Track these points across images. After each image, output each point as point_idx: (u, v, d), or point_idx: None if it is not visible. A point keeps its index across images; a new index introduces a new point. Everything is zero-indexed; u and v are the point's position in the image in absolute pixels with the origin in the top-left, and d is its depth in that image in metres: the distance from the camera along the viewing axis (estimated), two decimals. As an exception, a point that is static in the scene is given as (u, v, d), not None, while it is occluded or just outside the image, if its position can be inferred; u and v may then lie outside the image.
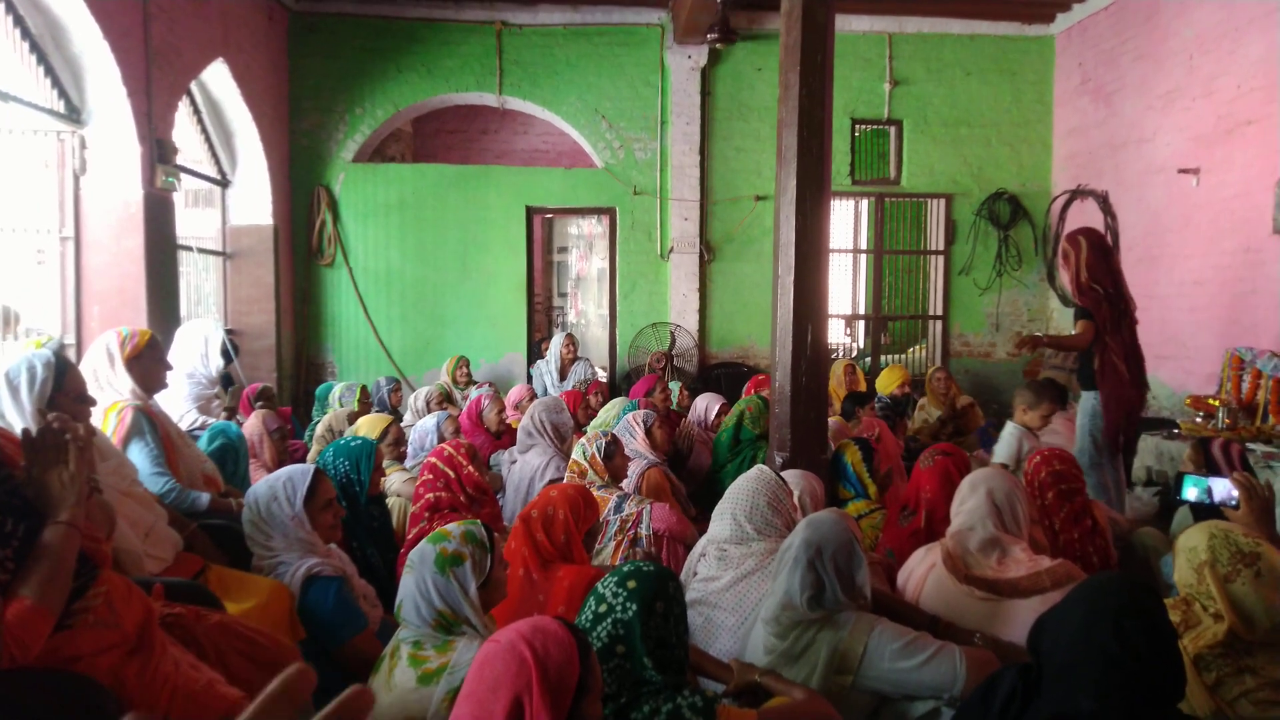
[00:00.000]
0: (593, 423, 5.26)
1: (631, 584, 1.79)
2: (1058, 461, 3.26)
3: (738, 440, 4.40)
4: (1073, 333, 4.60)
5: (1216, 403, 5.43)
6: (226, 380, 5.28)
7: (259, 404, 5.20)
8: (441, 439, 4.46)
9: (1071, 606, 1.63)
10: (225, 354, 5.60)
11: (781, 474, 2.98)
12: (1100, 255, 4.72)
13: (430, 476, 3.31)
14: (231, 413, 4.58)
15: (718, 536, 2.70)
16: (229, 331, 6.99)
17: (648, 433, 4.16)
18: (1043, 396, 4.05)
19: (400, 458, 4.35)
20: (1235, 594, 1.91)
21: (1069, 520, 3.16)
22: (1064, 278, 4.79)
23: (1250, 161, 5.85)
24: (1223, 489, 2.84)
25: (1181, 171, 6.46)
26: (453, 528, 2.11)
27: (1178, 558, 2.06)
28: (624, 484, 3.83)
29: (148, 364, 3.31)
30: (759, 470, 2.82)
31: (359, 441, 3.31)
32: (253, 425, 4.47)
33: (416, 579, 2.01)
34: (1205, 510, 2.99)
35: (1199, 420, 5.42)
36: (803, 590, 2.13)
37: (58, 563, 1.62)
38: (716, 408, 5.19)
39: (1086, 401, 4.67)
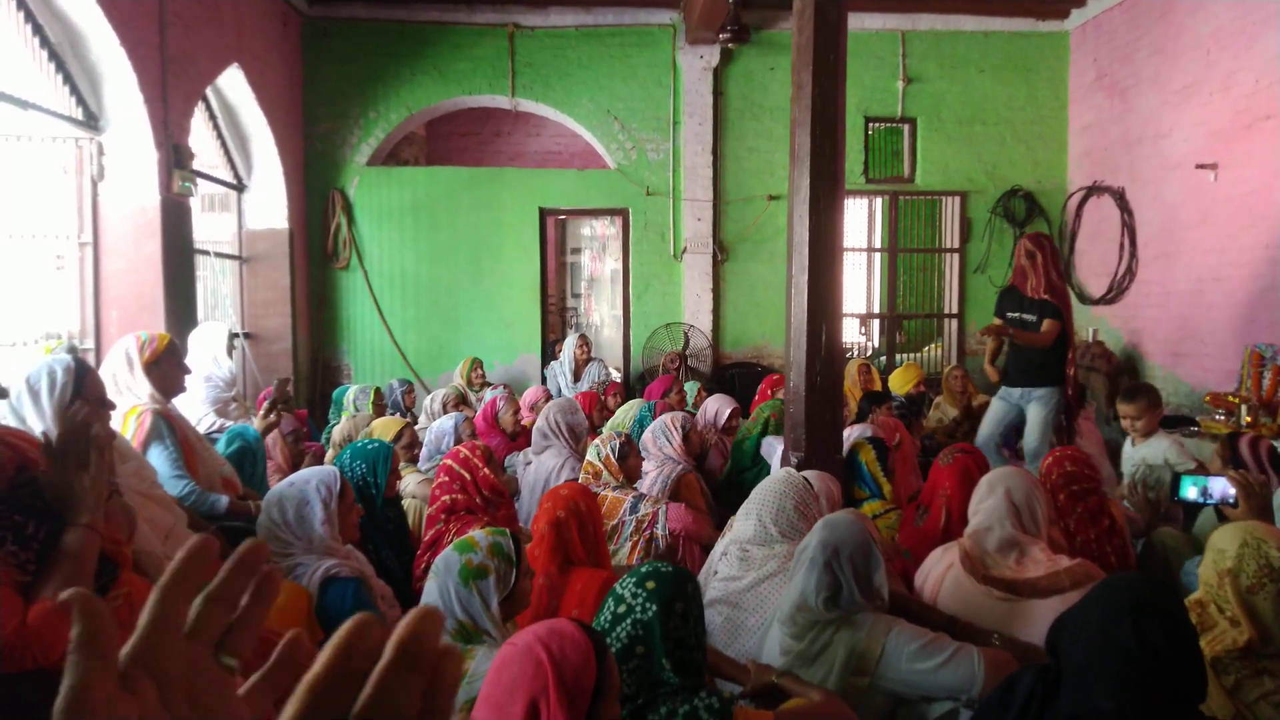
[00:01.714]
0: (609, 424, 5.26)
1: (651, 585, 1.79)
2: (1070, 463, 3.24)
3: (760, 447, 4.38)
4: (1042, 330, 4.78)
5: (1236, 400, 5.38)
6: None
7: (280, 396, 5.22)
8: (459, 440, 4.46)
9: (1090, 606, 1.61)
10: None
11: (798, 475, 2.97)
12: (1057, 261, 4.92)
13: (446, 479, 3.31)
14: (274, 405, 4.50)
15: (741, 536, 2.70)
16: (246, 335, 7.04)
17: (685, 438, 4.08)
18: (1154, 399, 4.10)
19: (414, 459, 4.37)
20: (1255, 606, 1.88)
21: (1085, 520, 3.15)
22: (1032, 277, 4.83)
23: (1268, 157, 5.79)
24: (1220, 488, 2.81)
25: (1199, 167, 6.41)
26: (480, 537, 2.09)
27: (1206, 554, 2.04)
28: (652, 488, 3.81)
29: (166, 368, 3.33)
30: (788, 473, 2.82)
31: (375, 444, 3.33)
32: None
33: (440, 587, 2.00)
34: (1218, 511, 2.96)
35: (1219, 417, 5.37)
36: (819, 591, 2.12)
37: (79, 565, 1.64)
38: (728, 411, 5.16)
39: (1052, 396, 4.85)
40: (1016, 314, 4.91)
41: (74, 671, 0.43)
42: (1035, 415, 4.87)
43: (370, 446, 3.30)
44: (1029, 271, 4.84)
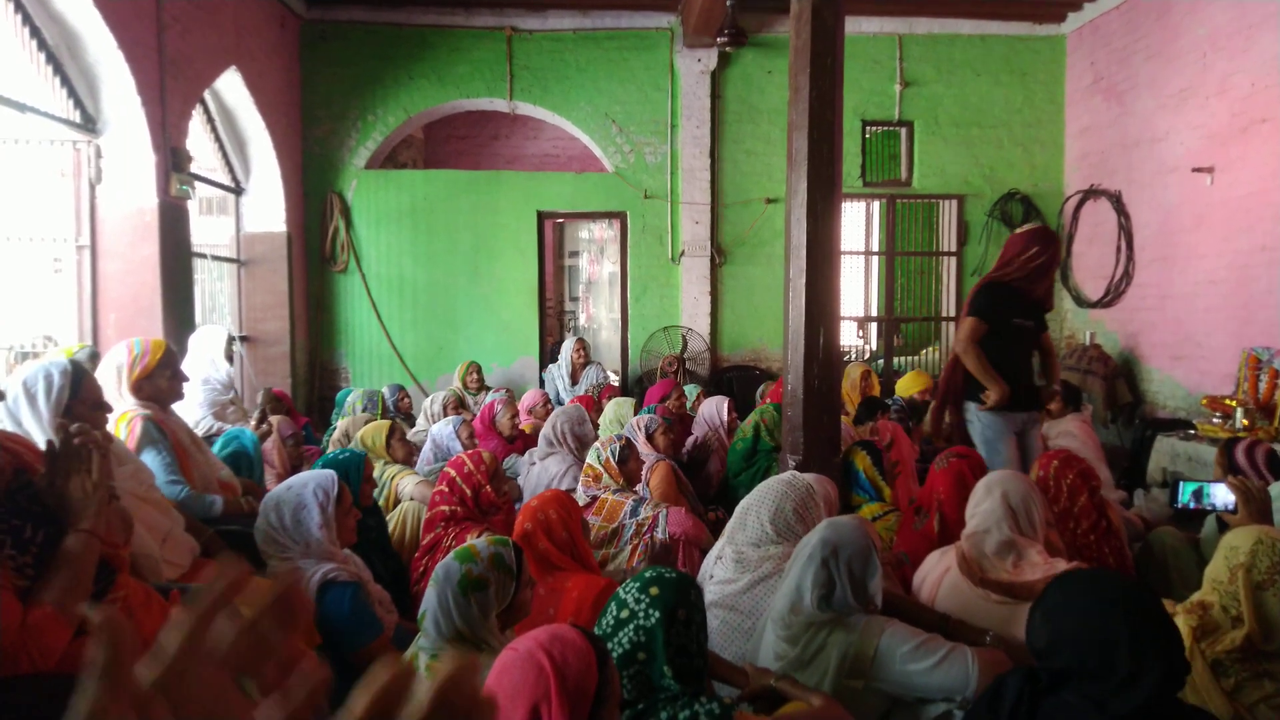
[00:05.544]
0: (602, 421, 5.26)
1: (654, 590, 1.78)
2: (1082, 463, 3.23)
3: (754, 451, 4.40)
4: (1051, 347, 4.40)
5: (1234, 403, 5.39)
6: None
7: (271, 409, 5.22)
8: (462, 444, 4.47)
9: (1062, 603, 1.63)
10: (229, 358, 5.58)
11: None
12: None
13: (447, 490, 3.30)
14: (263, 416, 4.55)
15: (737, 538, 2.70)
16: (244, 338, 7.02)
17: (649, 438, 4.23)
18: None
19: (409, 459, 4.37)
20: (1264, 602, 1.88)
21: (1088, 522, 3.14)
22: (1049, 277, 4.15)
23: (1265, 160, 5.81)
24: (1223, 495, 2.81)
25: (1195, 170, 6.42)
26: (481, 547, 2.09)
27: (1218, 553, 2.04)
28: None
29: (159, 381, 3.26)
30: (792, 475, 2.82)
31: (347, 454, 3.30)
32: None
33: (439, 594, 2.00)
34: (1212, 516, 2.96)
35: (1216, 421, 5.38)
36: (814, 588, 2.13)
37: (78, 570, 1.64)
38: (725, 406, 5.24)
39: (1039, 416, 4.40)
40: (1021, 320, 4.07)
41: (91, 695, 0.42)
42: (1034, 440, 4.20)
43: (342, 456, 3.27)
44: (1044, 280, 4.07)
